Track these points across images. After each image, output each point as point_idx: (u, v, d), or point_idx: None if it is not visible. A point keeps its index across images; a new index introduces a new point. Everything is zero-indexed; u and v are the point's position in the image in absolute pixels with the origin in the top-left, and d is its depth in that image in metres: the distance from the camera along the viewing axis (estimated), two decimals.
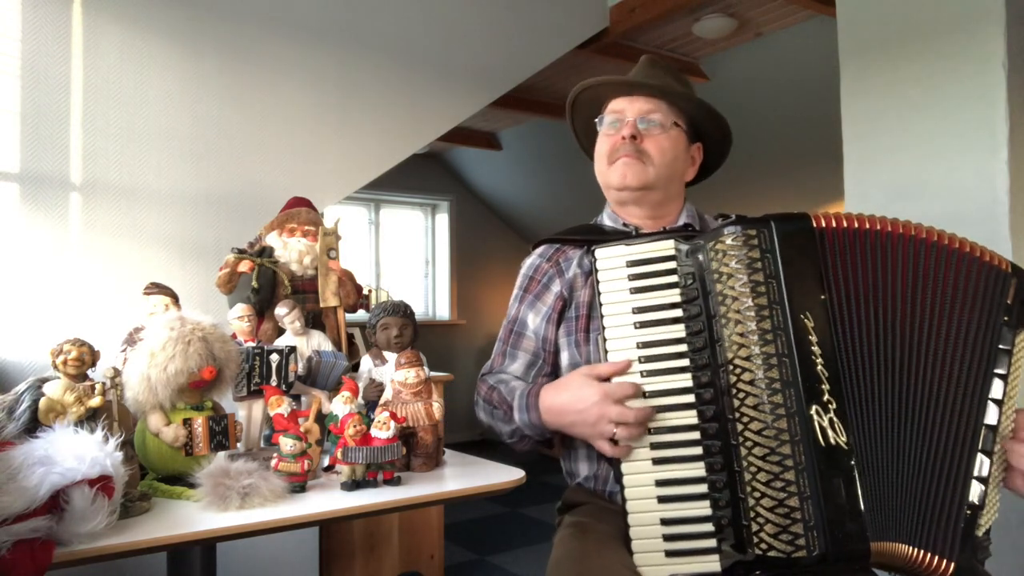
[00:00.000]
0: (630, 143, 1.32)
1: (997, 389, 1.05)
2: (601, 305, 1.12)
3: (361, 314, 1.64)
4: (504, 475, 1.33)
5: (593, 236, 1.34)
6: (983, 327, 1.06)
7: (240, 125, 2.28)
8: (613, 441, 1.10)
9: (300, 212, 1.64)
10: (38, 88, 1.97)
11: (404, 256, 6.24)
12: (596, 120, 1.42)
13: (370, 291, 1.62)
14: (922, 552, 1.01)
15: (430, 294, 6.39)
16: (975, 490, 1.03)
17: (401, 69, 2.60)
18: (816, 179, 4.22)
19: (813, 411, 1.01)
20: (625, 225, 1.40)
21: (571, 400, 1.15)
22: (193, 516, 1.06)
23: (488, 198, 6.51)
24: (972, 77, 1.95)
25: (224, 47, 2.26)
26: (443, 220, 6.36)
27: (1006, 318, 1.06)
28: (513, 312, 1.41)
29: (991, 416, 1.05)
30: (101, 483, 0.94)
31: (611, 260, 1.14)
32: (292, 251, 1.57)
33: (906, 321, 1.05)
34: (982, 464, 1.04)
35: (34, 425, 1.05)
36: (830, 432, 1.01)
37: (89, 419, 1.08)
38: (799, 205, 4.45)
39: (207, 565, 1.25)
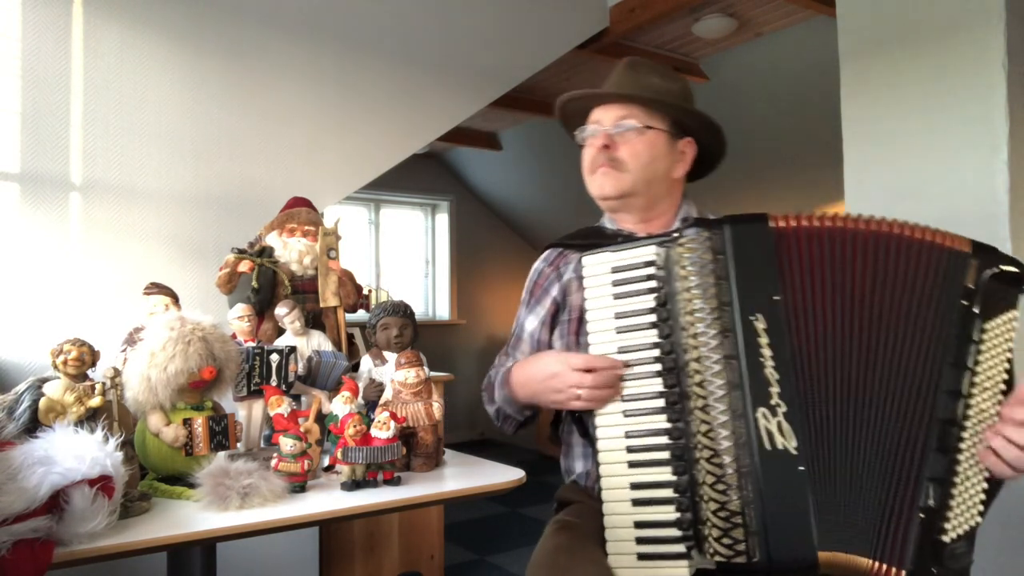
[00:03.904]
0: (604, 153, 1.34)
1: (954, 380, 1.00)
2: (587, 311, 1.15)
3: (361, 314, 1.64)
4: (504, 475, 1.33)
5: (593, 240, 1.36)
6: (938, 316, 1.01)
7: (240, 125, 2.28)
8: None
9: (300, 212, 1.64)
10: (38, 88, 1.97)
11: (404, 256, 6.24)
12: (576, 133, 1.43)
13: (370, 291, 1.62)
14: (874, 562, 0.98)
15: (430, 294, 6.39)
16: (930, 492, 0.98)
17: (401, 69, 2.60)
18: (816, 179, 4.22)
19: (759, 414, 1.00)
20: (620, 230, 1.41)
21: (536, 371, 1.22)
22: (193, 516, 1.06)
23: (488, 198, 6.51)
24: (972, 77, 1.95)
25: (224, 47, 2.26)
26: (443, 220, 6.36)
27: (965, 302, 1.01)
28: (519, 316, 1.46)
29: (945, 410, 0.99)
30: (101, 483, 0.94)
31: (597, 267, 1.16)
32: (292, 251, 1.57)
33: (864, 321, 1.03)
34: (937, 463, 0.99)
35: (34, 425, 1.06)
36: (777, 436, 0.99)
37: (89, 419, 1.08)
38: (799, 205, 4.45)
39: (207, 565, 1.25)
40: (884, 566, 0.97)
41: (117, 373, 1.19)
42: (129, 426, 1.21)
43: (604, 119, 1.36)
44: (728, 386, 1.02)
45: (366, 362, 1.51)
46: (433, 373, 1.89)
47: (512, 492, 1.32)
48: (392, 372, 1.40)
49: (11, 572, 0.83)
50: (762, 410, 1.00)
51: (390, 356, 1.47)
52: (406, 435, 1.33)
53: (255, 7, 2.31)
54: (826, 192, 4.27)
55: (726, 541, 0.99)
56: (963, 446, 0.99)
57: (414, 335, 1.52)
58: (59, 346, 1.12)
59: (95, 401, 1.10)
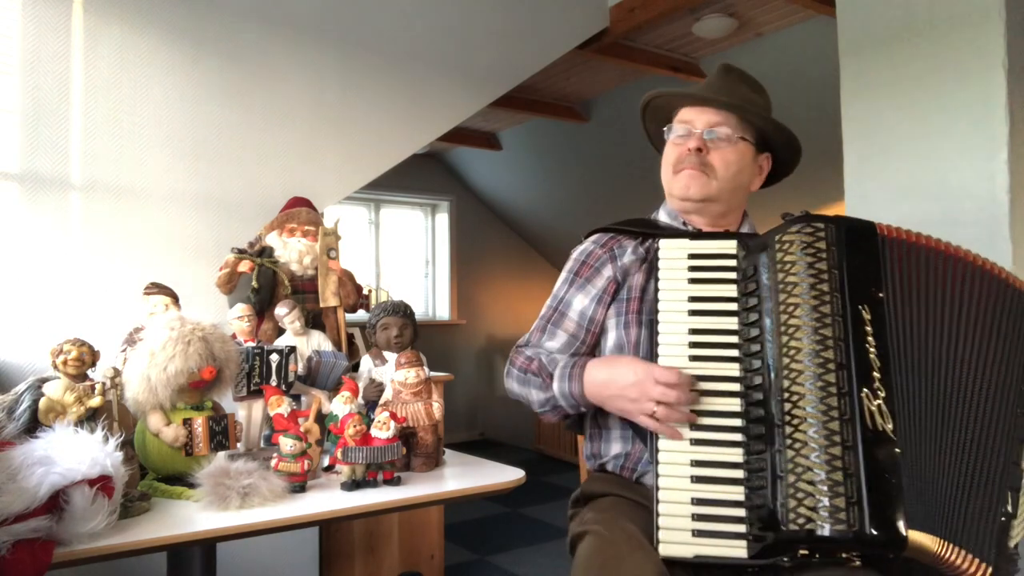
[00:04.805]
0: (695, 155, 1.35)
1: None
2: (658, 291, 1.17)
3: (361, 314, 1.64)
4: (504, 475, 1.33)
5: (649, 230, 1.38)
6: (1013, 346, 1.12)
7: (240, 125, 2.28)
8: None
9: (300, 212, 1.64)
10: (38, 88, 1.97)
11: (404, 256, 6.24)
12: (665, 129, 1.43)
13: (370, 291, 1.62)
14: (961, 552, 1.02)
15: (430, 294, 6.39)
16: (1009, 499, 1.06)
17: (401, 69, 2.60)
18: (816, 179, 4.22)
19: (864, 394, 1.05)
20: (685, 224, 1.42)
21: (616, 374, 1.18)
22: (193, 516, 1.06)
23: (488, 198, 6.51)
24: (972, 77, 1.95)
25: (224, 47, 2.26)
26: (443, 220, 6.36)
27: None
28: (560, 293, 1.41)
29: (1020, 430, 1.10)
30: (101, 483, 0.94)
31: (674, 251, 1.19)
32: (292, 251, 1.57)
33: (951, 334, 1.11)
34: (1015, 475, 1.08)
35: (34, 425, 1.06)
36: (878, 417, 1.04)
37: (89, 419, 1.08)
38: (799, 205, 4.43)
39: (207, 565, 1.25)
40: (973, 559, 1.02)
41: (117, 373, 1.19)
42: (129, 426, 1.21)
43: (696, 122, 1.37)
44: (835, 364, 1.06)
45: (366, 362, 1.51)
46: (433, 373, 1.89)
47: (512, 492, 1.32)
48: (392, 372, 1.40)
49: (11, 572, 0.83)
50: (866, 390, 1.05)
51: (390, 356, 1.47)
52: (406, 435, 1.33)
53: (255, 7, 2.31)
54: (826, 192, 4.26)
55: (823, 510, 1.01)
56: None
57: (414, 335, 1.52)
58: (59, 346, 1.12)
59: (95, 401, 1.10)
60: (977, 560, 1.02)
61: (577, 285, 1.39)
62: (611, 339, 1.35)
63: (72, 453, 0.94)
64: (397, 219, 6.21)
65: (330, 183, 2.44)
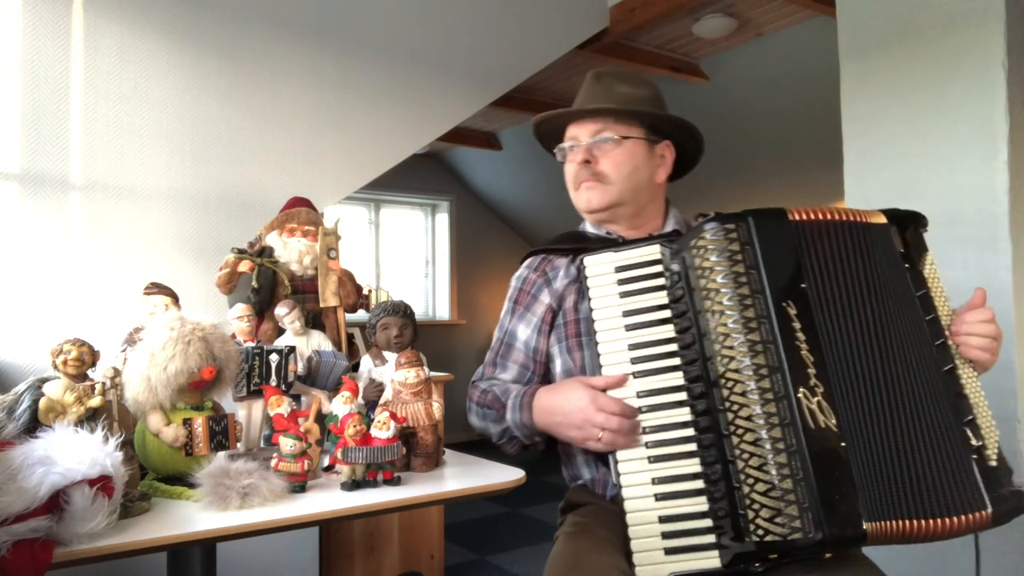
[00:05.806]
0: (586, 168, 1.36)
1: (936, 332, 1.11)
2: (592, 311, 1.16)
3: (361, 314, 1.64)
4: (504, 475, 1.33)
5: (579, 245, 1.37)
6: (900, 283, 1.12)
7: (240, 125, 2.28)
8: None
9: (300, 212, 1.64)
10: (38, 88, 1.97)
11: (404, 256, 6.24)
12: (555, 151, 1.45)
13: (370, 291, 1.62)
14: (955, 519, 1.01)
15: (430, 294, 6.39)
16: (969, 434, 1.06)
17: (401, 69, 2.60)
18: (816, 179, 4.22)
19: (800, 394, 1.03)
20: (608, 234, 1.42)
21: (561, 402, 1.19)
22: (193, 516, 1.06)
23: (488, 198, 6.51)
24: (972, 77, 1.95)
25: (224, 47, 2.26)
26: (443, 220, 6.36)
27: (907, 264, 1.13)
28: (505, 323, 1.43)
29: (944, 360, 1.10)
30: (101, 483, 0.94)
31: (600, 267, 1.17)
32: (292, 251, 1.57)
33: (867, 301, 1.10)
34: (962, 407, 1.07)
35: (34, 425, 1.05)
36: (819, 415, 1.02)
37: (89, 419, 1.08)
38: (801, 204, 4.45)
39: (207, 565, 1.25)
40: (965, 516, 1.01)
41: (117, 373, 1.19)
42: (129, 426, 1.21)
43: (580, 135, 1.38)
44: (768, 369, 1.04)
45: (366, 362, 1.51)
46: (433, 373, 1.89)
47: (512, 492, 1.32)
48: (392, 372, 1.40)
49: (11, 572, 0.83)
50: (803, 390, 1.03)
51: (390, 356, 1.47)
52: (406, 435, 1.33)
53: (255, 7, 2.31)
54: (826, 192, 4.27)
55: (780, 520, 1.00)
56: (963, 382, 1.09)
57: (414, 335, 1.52)
58: (59, 346, 1.12)
59: (95, 401, 1.10)
60: (966, 516, 1.01)
61: (518, 315, 1.40)
62: (558, 365, 1.36)
63: (72, 453, 0.94)
64: (397, 219, 6.21)
65: (330, 183, 2.44)
